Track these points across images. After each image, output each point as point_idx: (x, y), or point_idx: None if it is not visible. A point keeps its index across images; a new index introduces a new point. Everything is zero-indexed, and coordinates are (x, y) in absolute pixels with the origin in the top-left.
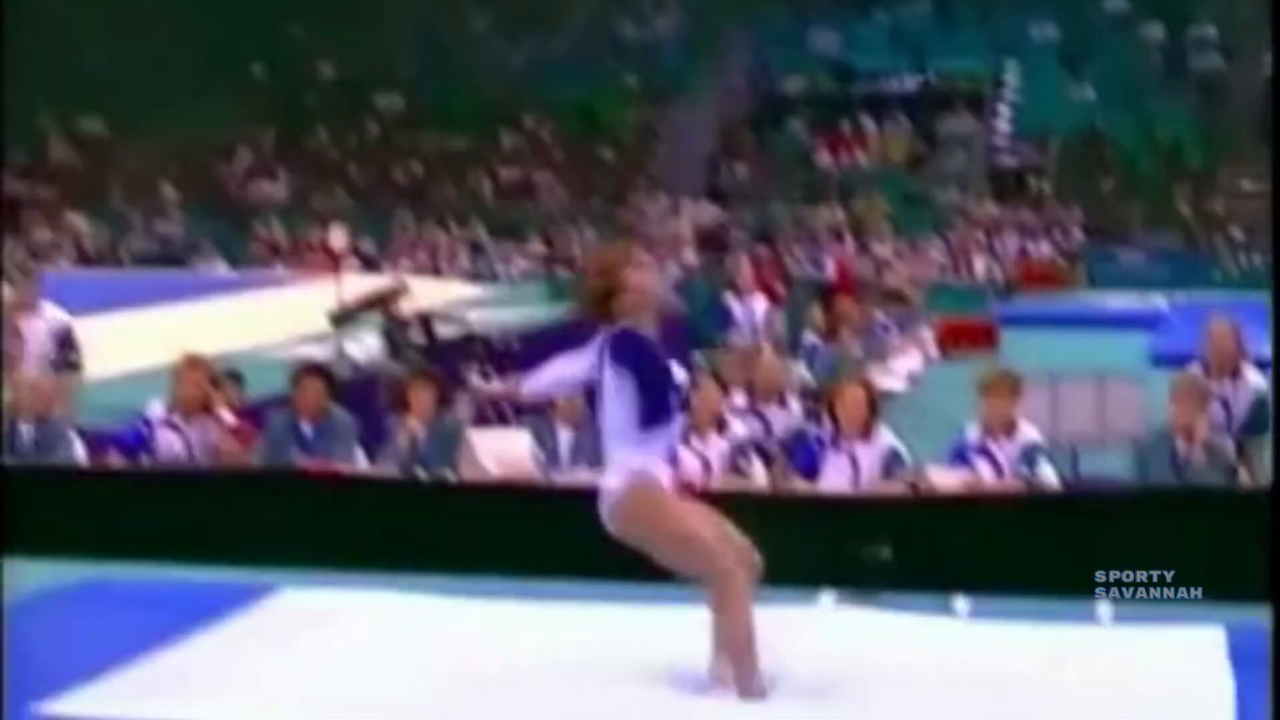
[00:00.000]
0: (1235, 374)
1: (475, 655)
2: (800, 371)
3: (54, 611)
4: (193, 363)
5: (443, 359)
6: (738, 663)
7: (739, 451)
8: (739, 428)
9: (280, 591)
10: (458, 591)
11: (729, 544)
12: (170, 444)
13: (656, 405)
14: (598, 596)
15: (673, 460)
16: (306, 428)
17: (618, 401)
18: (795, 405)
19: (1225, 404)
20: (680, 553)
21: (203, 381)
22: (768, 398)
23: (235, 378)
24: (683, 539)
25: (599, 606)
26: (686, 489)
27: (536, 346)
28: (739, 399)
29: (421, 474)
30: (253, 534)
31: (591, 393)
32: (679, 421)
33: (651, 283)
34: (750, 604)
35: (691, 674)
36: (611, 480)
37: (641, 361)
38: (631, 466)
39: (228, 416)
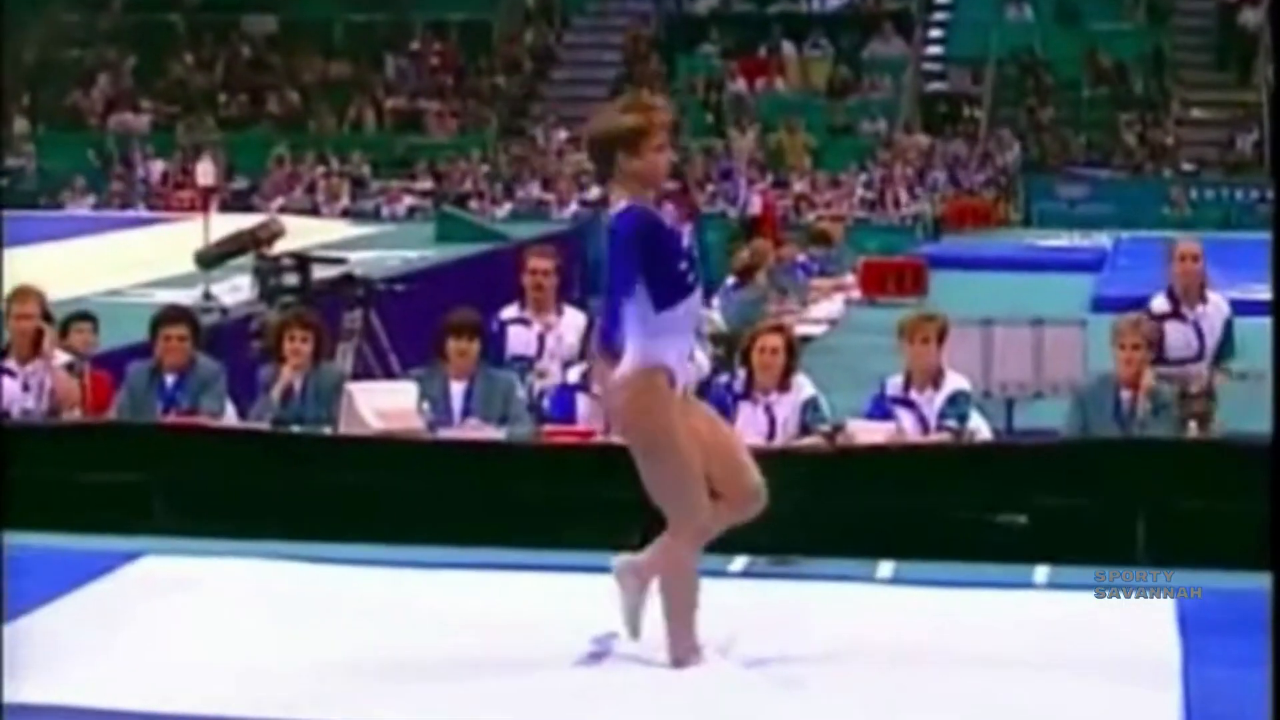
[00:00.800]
0: (1203, 299)
1: (350, 626)
2: (711, 316)
3: None
4: (22, 295)
5: (320, 304)
6: (672, 626)
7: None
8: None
9: (139, 559)
10: (333, 558)
11: (726, 493)
12: (10, 394)
13: (671, 285)
14: (487, 564)
15: (690, 355)
16: (169, 379)
17: (626, 286)
18: (703, 354)
19: (1198, 329)
20: (659, 472)
21: (33, 317)
22: None
23: (88, 319)
24: (669, 456)
25: (487, 574)
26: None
27: (423, 290)
28: None
29: (297, 429)
30: (109, 495)
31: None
32: (698, 301)
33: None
34: (693, 564)
35: (601, 648)
36: (618, 371)
37: (655, 237)
38: (641, 354)
39: (63, 357)
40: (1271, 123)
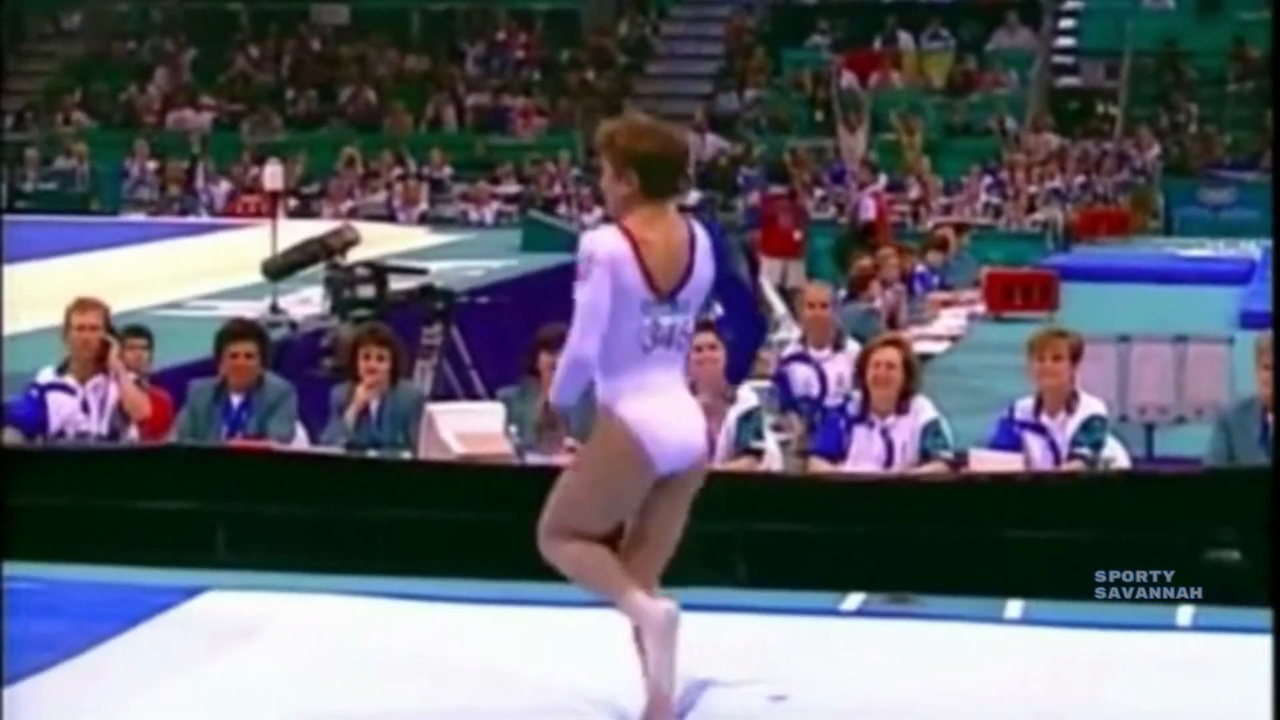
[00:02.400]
0: None
1: (434, 670)
2: None
3: None
4: (83, 306)
5: (398, 318)
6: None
7: (749, 425)
8: (749, 396)
9: (201, 595)
10: (413, 594)
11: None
12: (66, 414)
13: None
14: (586, 601)
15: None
16: (235, 399)
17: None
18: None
19: None
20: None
21: (99, 329)
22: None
23: (141, 334)
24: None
25: (584, 612)
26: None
27: (508, 303)
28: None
29: (373, 454)
30: (169, 525)
31: None
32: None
33: None
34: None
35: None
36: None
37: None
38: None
39: (130, 373)
40: (1273, 124)
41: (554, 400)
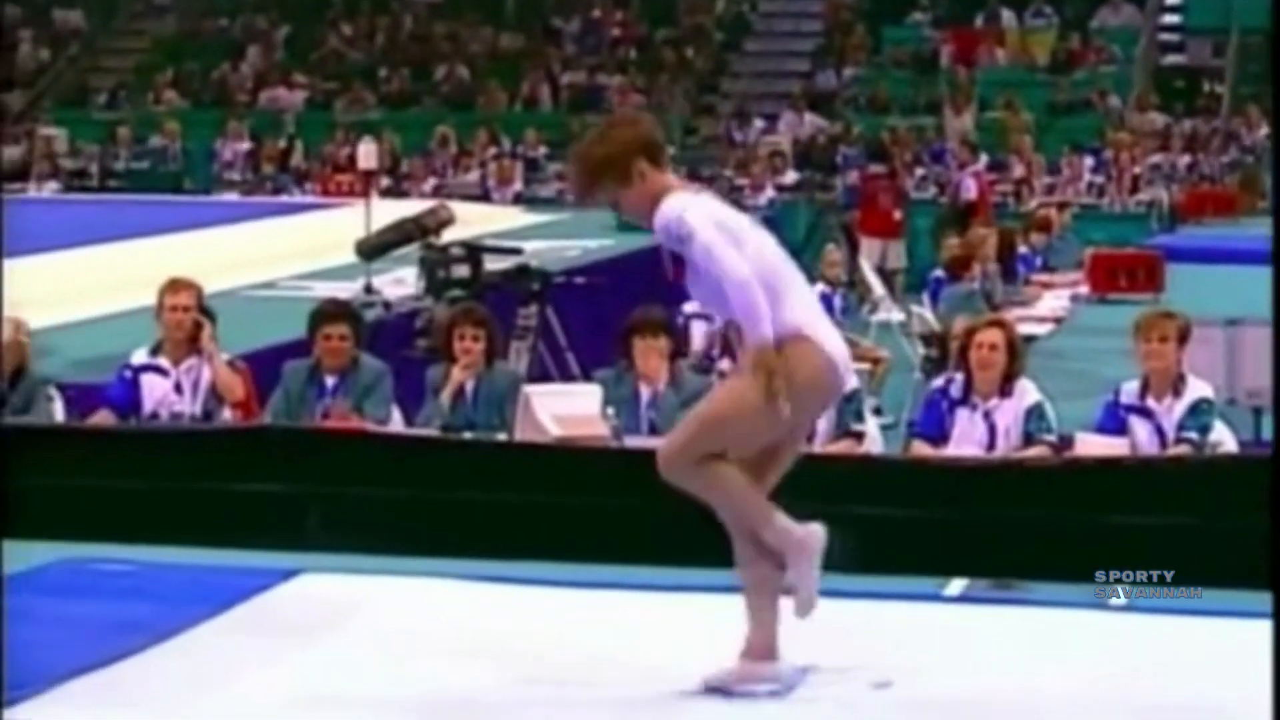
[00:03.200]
0: None
1: (529, 652)
2: (921, 313)
3: (20, 599)
4: (175, 286)
5: (493, 298)
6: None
7: (849, 408)
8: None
9: (295, 577)
10: (509, 577)
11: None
12: (160, 395)
13: None
14: (685, 585)
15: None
16: (329, 380)
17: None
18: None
19: None
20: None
21: (191, 309)
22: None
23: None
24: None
25: (685, 597)
26: None
27: (605, 283)
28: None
29: (468, 436)
30: (262, 507)
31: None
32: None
33: None
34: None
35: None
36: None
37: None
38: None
39: (224, 355)
40: (1273, 123)
41: (765, 334)
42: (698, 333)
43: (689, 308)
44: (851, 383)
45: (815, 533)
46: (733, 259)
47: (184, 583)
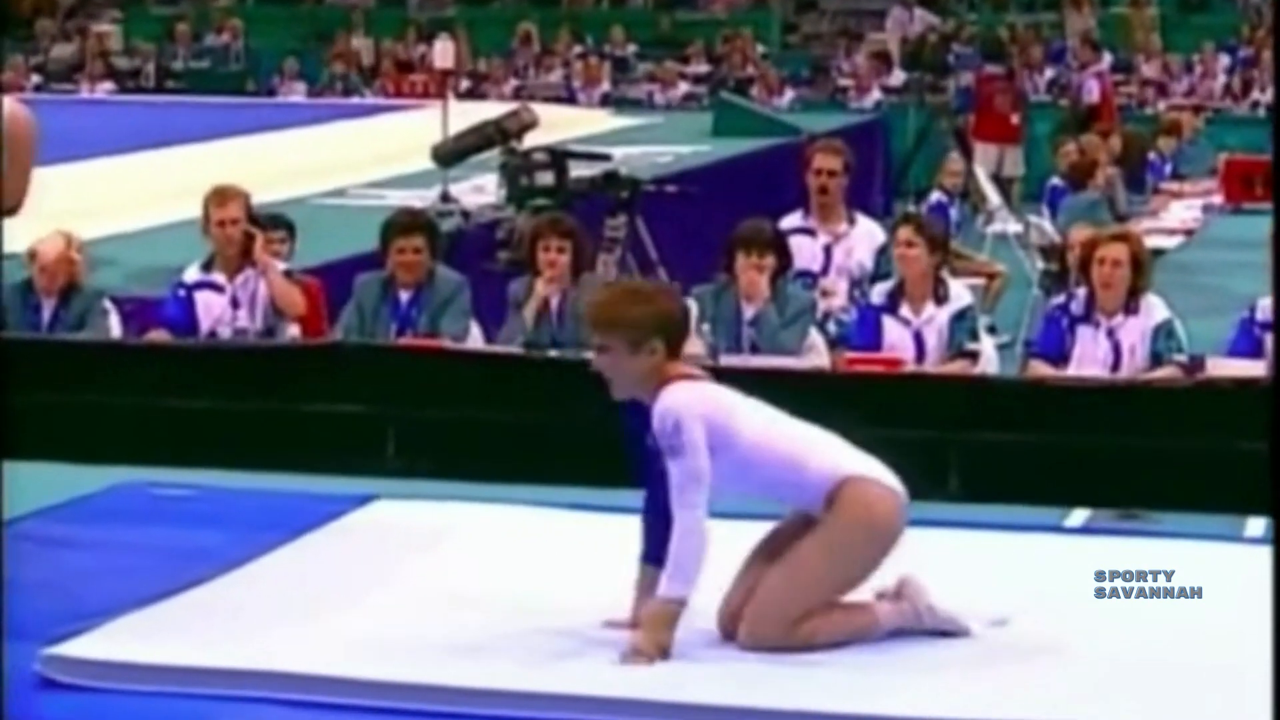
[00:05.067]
0: None
1: (612, 581)
2: (1040, 224)
3: (77, 526)
4: (222, 197)
5: (579, 207)
6: None
7: (962, 325)
8: (961, 294)
9: (370, 503)
10: (597, 505)
11: None
12: (217, 312)
13: None
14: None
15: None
16: (404, 295)
17: None
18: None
19: None
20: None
21: (240, 221)
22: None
23: (281, 225)
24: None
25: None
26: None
27: (698, 192)
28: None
29: (554, 354)
30: (335, 429)
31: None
32: None
33: None
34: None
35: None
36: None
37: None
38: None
39: (280, 264)
40: (1272, 120)
41: (684, 593)
42: (800, 247)
43: (788, 222)
44: (958, 306)
45: (909, 586)
46: (699, 506)
47: (251, 508)
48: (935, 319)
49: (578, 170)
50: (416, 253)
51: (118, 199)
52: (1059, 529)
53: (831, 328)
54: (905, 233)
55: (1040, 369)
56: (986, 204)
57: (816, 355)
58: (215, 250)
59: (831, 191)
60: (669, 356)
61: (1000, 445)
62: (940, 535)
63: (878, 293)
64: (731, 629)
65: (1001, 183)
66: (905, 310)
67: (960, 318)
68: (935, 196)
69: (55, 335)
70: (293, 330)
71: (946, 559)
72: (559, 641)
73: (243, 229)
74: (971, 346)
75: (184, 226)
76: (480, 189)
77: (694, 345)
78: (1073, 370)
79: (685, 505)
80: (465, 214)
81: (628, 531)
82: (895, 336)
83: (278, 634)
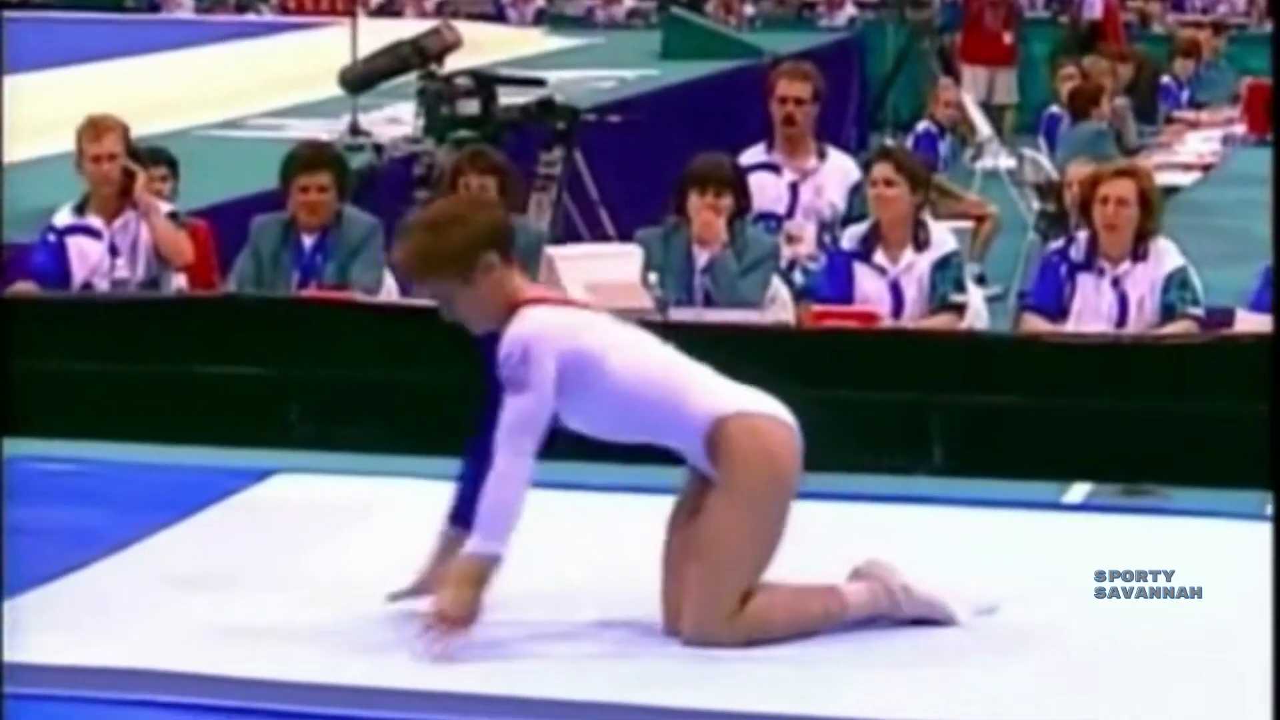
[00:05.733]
0: None
1: (548, 564)
2: (1036, 158)
3: None
4: (97, 129)
5: (508, 141)
6: None
7: (946, 274)
8: (945, 239)
9: (269, 478)
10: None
11: None
12: (94, 260)
13: None
14: None
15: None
16: (307, 240)
17: None
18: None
19: None
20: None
21: (118, 156)
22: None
23: (162, 161)
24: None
25: None
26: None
27: (645, 123)
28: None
29: None
30: (229, 393)
31: None
32: None
33: None
34: None
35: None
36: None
37: None
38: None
39: (165, 205)
40: (1273, 115)
41: (496, 550)
42: (762, 186)
43: (749, 157)
44: (942, 252)
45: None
46: (526, 453)
47: (137, 484)
48: (915, 267)
49: (508, 97)
50: (321, 191)
51: None
52: (1056, 506)
53: (797, 277)
54: (883, 169)
55: (1035, 323)
56: (975, 136)
57: (780, 308)
58: (90, 190)
59: (798, 122)
60: (506, 267)
61: (990, 410)
62: (921, 513)
63: (850, 237)
64: (674, 628)
65: (992, 111)
66: (881, 257)
67: (944, 265)
68: (923, 127)
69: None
70: (179, 281)
71: (928, 541)
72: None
73: (121, 165)
74: (957, 298)
75: (54, 162)
76: (395, 119)
77: (639, 297)
78: (1072, 325)
79: (511, 449)
80: (378, 148)
81: (562, 509)
82: (869, 287)
83: (149, 626)
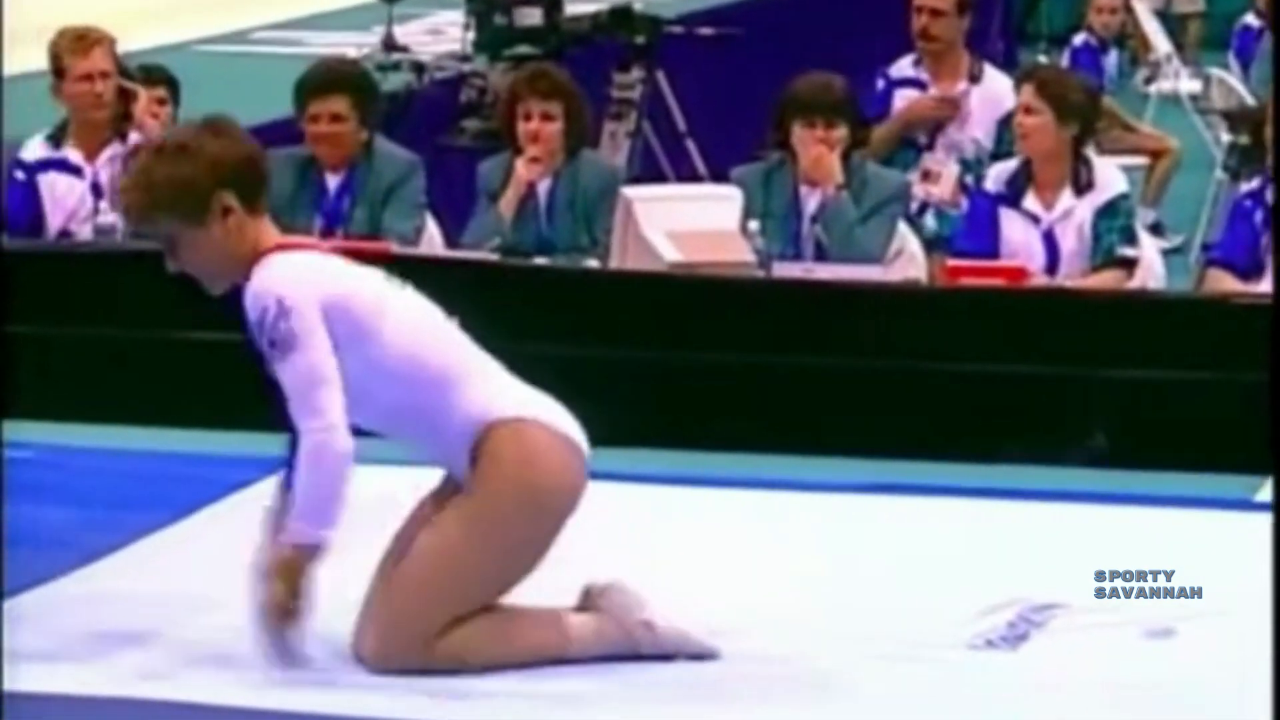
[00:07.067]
0: None
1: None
2: (1229, 81)
3: None
4: (82, 44)
5: (577, 59)
6: None
7: (1113, 222)
8: (1114, 179)
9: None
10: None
11: None
12: (73, 203)
13: None
14: (849, 485)
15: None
16: (331, 180)
17: None
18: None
19: None
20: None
21: (110, 75)
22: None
23: (160, 80)
24: None
25: (844, 498)
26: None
27: (744, 38)
28: None
29: (540, 260)
30: (239, 365)
31: None
32: None
33: None
34: None
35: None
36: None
37: None
38: None
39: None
40: (1274, 118)
41: (319, 536)
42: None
43: (897, 69)
44: (1107, 196)
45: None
46: (327, 411)
47: (129, 476)
48: (1074, 213)
49: (574, 5)
50: (335, 120)
51: None
52: (1248, 505)
53: (930, 224)
54: (1026, 94)
55: (1224, 282)
56: (1149, 52)
57: (908, 263)
58: (70, 117)
59: (937, 36)
60: (251, 213)
61: (1168, 387)
62: (1078, 513)
63: (995, 177)
64: (360, 646)
65: (1171, 21)
66: (1032, 201)
67: (1110, 211)
68: (1081, 40)
69: None
70: None
71: (1080, 544)
72: None
73: (115, 84)
74: (1126, 251)
75: (21, 82)
76: (438, 32)
77: (737, 249)
78: (1268, 285)
79: (309, 414)
80: (417, 67)
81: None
82: (1018, 238)
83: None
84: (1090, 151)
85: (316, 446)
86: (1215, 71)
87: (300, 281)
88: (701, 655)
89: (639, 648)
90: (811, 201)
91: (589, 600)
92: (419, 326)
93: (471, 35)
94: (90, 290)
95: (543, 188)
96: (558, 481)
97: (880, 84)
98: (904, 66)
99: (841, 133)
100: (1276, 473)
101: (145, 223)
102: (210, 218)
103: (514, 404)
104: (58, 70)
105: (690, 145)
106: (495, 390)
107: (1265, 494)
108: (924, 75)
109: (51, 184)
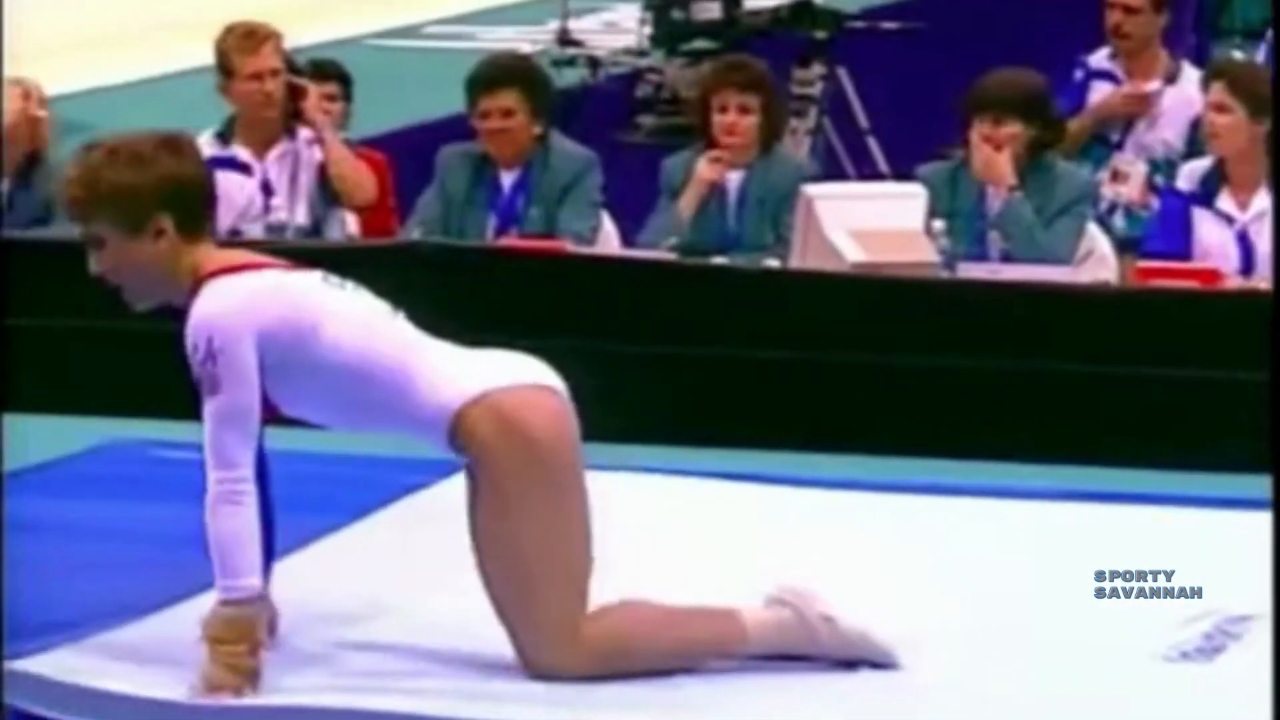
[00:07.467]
0: None
1: (819, 558)
2: None
3: (53, 497)
4: (251, 41)
5: (756, 52)
6: None
7: None
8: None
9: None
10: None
11: None
12: (243, 203)
13: None
14: (1046, 492)
15: None
16: (506, 177)
17: None
18: None
19: None
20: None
21: (280, 72)
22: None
23: (333, 76)
24: None
25: (1056, 507)
26: None
27: (929, 31)
28: None
29: (722, 260)
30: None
31: None
32: None
33: None
34: None
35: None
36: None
37: None
38: None
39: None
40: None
41: (234, 591)
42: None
43: (1095, 60)
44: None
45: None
46: (238, 464)
47: (298, 477)
48: (1270, 214)
49: (753, 0)
50: (505, 116)
51: (89, 35)
52: None
53: (1119, 224)
54: (1216, 91)
55: None
56: None
57: (1098, 264)
58: (240, 114)
59: (1129, 34)
60: (186, 240)
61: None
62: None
63: (1188, 176)
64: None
65: None
66: (1226, 201)
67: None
68: None
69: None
70: (350, 225)
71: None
72: None
73: (283, 82)
74: None
75: (187, 79)
76: (614, 25)
77: (921, 249)
78: None
79: (221, 463)
80: (593, 61)
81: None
82: (1212, 239)
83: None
84: None
85: (219, 498)
86: None
87: (236, 313)
88: (882, 663)
89: (819, 641)
90: (996, 202)
91: (768, 603)
92: (367, 324)
93: (648, 30)
94: None
95: (733, 183)
96: (542, 430)
97: (1079, 74)
98: (1100, 58)
99: (1012, 130)
100: (1276, 473)
101: (80, 219)
102: (143, 234)
103: (477, 380)
104: (226, 69)
105: (872, 143)
106: (454, 372)
107: None
108: (1119, 69)
109: (222, 182)
